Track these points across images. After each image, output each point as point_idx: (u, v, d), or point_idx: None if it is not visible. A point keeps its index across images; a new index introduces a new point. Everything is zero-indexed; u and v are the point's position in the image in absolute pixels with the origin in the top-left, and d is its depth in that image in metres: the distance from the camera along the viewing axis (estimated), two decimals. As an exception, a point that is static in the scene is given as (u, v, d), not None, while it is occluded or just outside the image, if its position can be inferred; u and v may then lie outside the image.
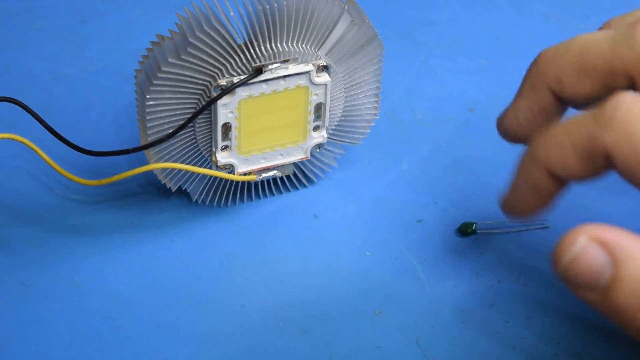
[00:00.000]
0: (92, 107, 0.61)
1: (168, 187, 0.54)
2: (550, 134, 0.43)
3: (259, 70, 0.51)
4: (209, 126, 0.52)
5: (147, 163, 0.53)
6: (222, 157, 0.53)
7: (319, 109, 0.54)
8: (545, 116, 0.46)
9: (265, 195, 0.56)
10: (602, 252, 0.40)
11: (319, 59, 0.52)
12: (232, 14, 0.50)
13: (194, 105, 0.51)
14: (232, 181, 0.55)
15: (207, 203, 0.55)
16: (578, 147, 0.42)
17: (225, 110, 0.51)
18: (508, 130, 0.48)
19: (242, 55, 0.50)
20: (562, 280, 0.41)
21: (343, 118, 0.55)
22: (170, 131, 0.51)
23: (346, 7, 0.52)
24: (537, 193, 0.45)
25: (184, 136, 0.52)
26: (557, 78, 0.44)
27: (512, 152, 0.59)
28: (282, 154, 0.55)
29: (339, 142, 0.56)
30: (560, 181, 0.44)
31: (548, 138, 0.43)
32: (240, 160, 0.54)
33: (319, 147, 0.55)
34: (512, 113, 0.47)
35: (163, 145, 0.52)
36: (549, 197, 0.44)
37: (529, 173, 0.44)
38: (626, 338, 0.51)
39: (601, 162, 0.41)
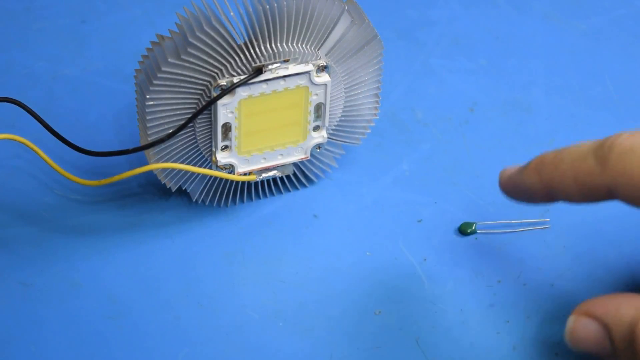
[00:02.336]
0: (92, 107, 0.61)
1: (168, 187, 0.54)
2: (556, 161, 0.46)
3: (259, 70, 0.51)
4: (209, 126, 0.52)
5: (147, 163, 0.53)
6: (222, 157, 0.53)
7: (319, 109, 0.54)
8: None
9: (265, 195, 0.56)
10: (591, 322, 0.45)
11: (319, 59, 0.52)
12: (232, 14, 0.50)
13: (194, 105, 0.51)
14: (232, 181, 0.55)
15: (207, 203, 0.55)
16: (579, 181, 0.45)
17: (225, 110, 0.51)
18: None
19: (242, 55, 0.50)
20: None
21: (343, 118, 0.55)
22: (170, 131, 0.51)
23: (346, 7, 0.52)
24: (531, 198, 0.48)
25: (184, 136, 0.52)
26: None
27: (512, 152, 0.60)
28: (282, 154, 0.55)
29: (339, 142, 0.56)
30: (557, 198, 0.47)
31: (554, 165, 0.46)
32: (240, 160, 0.54)
33: (319, 147, 0.55)
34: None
35: (163, 145, 0.52)
36: (541, 202, 0.48)
37: (532, 183, 0.47)
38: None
39: (602, 195, 0.45)
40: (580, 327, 0.46)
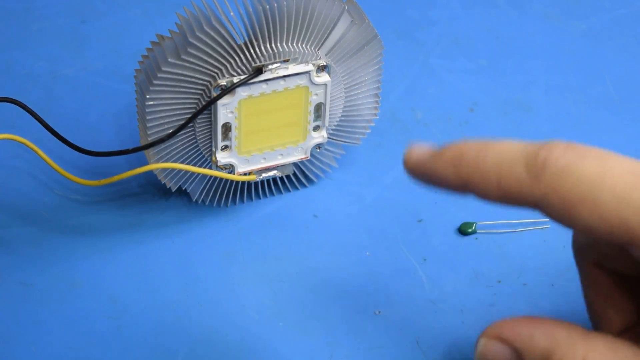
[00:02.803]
0: (92, 107, 0.61)
1: (168, 187, 0.54)
2: (478, 160, 0.42)
3: (259, 70, 0.51)
4: (209, 126, 0.52)
5: (147, 163, 0.53)
6: (222, 157, 0.53)
7: (319, 109, 0.54)
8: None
9: (265, 195, 0.56)
10: (502, 347, 0.43)
11: (319, 59, 0.52)
12: (232, 14, 0.50)
13: (194, 105, 0.51)
14: (232, 181, 0.55)
15: (207, 203, 0.55)
16: (503, 188, 0.42)
17: (225, 110, 0.51)
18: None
19: (242, 55, 0.50)
20: None
21: (343, 118, 0.55)
22: (170, 131, 0.51)
23: (346, 7, 0.52)
24: (442, 187, 0.44)
25: (184, 136, 0.52)
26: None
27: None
28: (282, 154, 0.55)
29: (339, 142, 0.56)
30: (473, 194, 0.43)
31: (475, 163, 0.42)
32: (240, 160, 0.54)
33: (319, 147, 0.55)
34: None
35: (163, 145, 0.52)
36: (452, 193, 0.44)
37: (446, 175, 0.43)
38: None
39: (525, 205, 0.42)
40: (491, 351, 0.43)
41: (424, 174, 0.44)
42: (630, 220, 0.40)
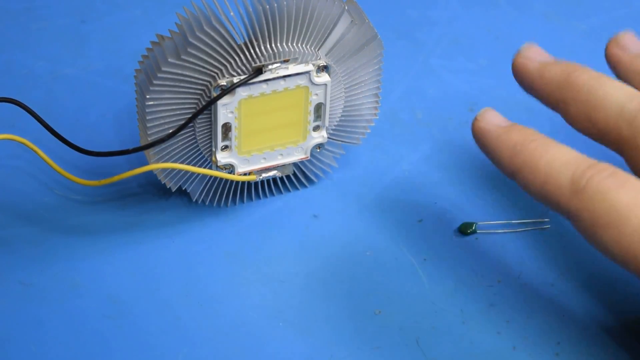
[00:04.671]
0: (92, 107, 0.61)
1: (168, 187, 0.54)
2: (533, 159, 0.46)
3: (259, 70, 0.51)
4: (209, 126, 0.52)
5: (147, 163, 0.53)
6: (222, 157, 0.53)
7: (319, 109, 0.54)
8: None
9: (265, 195, 0.56)
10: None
11: (319, 59, 0.52)
12: (232, 14, 0.50)
13: (194, 105, 0.51)
14: (232, 181, 0.55)
15: (207, 203, 0.55)
16: (543, 191, 0.45)
17: (225, 110, 0.51)
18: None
19: (242, 55, 0.50)
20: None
21: (343, 118, 0.55)
22: (170, 131, 0.51)
23: (346, 7, 0.52)
24: (493, 161, 0.48)
25: (184, 136, 0.52)
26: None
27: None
28: (282, 154, 0.55)
29: (339, 142, 0.56)
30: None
31: (530, 160, 0.46)
32: (240, 160, 0.54)
33: (319, 147, 0.55)
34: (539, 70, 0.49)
35: (163, 145, 0.52)
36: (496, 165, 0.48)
37: (500, 157, 0.47)
38: (625, 338, 0.51)
39: (557, 210, 0.46)
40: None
41: (484, 146, 0.48)
42: None
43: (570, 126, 0.48)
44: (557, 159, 0.45)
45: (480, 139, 0.48)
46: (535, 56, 0.49)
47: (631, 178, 0.44)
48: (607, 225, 0.44)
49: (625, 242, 0.43)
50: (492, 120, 0.48)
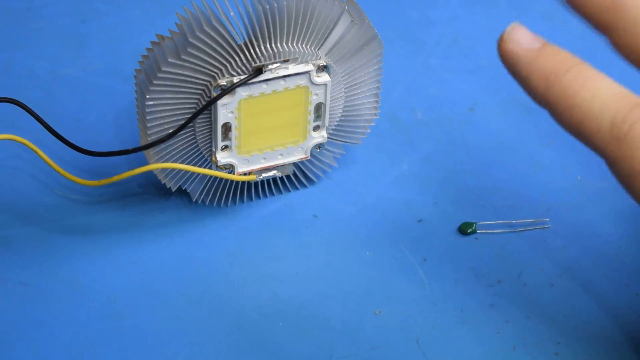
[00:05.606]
0: (92, 107, 0.61)
1: (168, 187, 0.54)
2: (570, 92, 0.42)
3: (259, 70, 0.51)
4: (209, 126, 0.52)
5: (147, 163, 0.53)
6: (222, 157, 0.53)
7: (319, 109, 0.54)
8: None
9: (265, 195, 0.56)
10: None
11: (319, 59, 0.52)
12: (232, 14, 0.50)
13: (194, 105, 0.51)
14: (232, 181, 0.55)
15: (207, 203, 0.55)
16: (580, 130, 0.41)
17: (225, 110, 0.51)
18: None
19: (242, 55, 0.50)
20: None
21: (343, 118, 0.55)
22: (170, 131, 0.51)
23: (346, 7, 0.52)
24: (523, 86, 0.44)
25: (184, 136, 0.52)
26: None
27: (512, 152, 0.60)
28: (282, 154, 0.55)
29: (339, 142, 0.56)
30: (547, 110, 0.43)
31: (567, 93, 0.42)
32: (240, 160, 0.54)
33: (319, 147, 0.55)
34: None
35: (163, 145, 0.52)
36: (531, 95, 0.44)
37: (534, 87, 0.43)
38: (625, 338, 0.51)
39: (590, 147, 0.42)
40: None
41: (514, 72, 0.44)
42: None
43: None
44: (597, 95, 0.41)
45: (509, 64, 0.44)
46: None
47: None
48: None
49: None
50: (522, 40, 0.44)
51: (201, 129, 0.52)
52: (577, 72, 0.42)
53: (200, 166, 0.53)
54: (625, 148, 0.41)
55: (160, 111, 0.51)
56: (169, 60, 0.49)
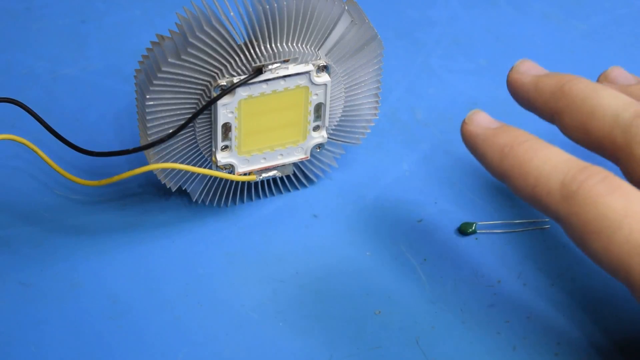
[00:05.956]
0: (92, 107, 0.61)
1: (168, 187, 0.54)
2: (524, 160, 0.45)
3: (259, 70, 0.51)
4: (209, 126, 0.52)
5: (147, 163, 0.53)
6: (222, 157, 0.53)
7: (319, 109, 0.54)
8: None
9: (265, 195, 0.56)
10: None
11: (319, 59, 0.52)
12: (232, 14, 0.50)
13: (194, 105, 0.51)
14: (232, 181, 0.55)
15: (207, 203, 0.55)
16: (533, 195, 0.44)
17: (225, 110, 0.51)
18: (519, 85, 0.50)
19: (242, 55, 0.50)
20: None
21: (343, 118, 0.55)
22: (170, 131, 0.51)
23: (346, 7, 0.52)
24: (483, 164, 0.47)
25: (184, 136, 0.52)
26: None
27: (512, 152, 0.59)
28: (282, 154, 0.55)
29: (339, 142, 0.56)
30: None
31: (520, 162, 0.45)
32: (240, 160, 0.54)
33: (319, 147, 0.55)
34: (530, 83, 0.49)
35: (163, 146, 0.52)
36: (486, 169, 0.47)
37: (490, 156, 0.46)
38: (625, 338, 0.51)
39: (546, 214, 0.45)
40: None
41: (474, 149, 0.47)
42: (633, 268, 0.42)
43: (567, 137, 0.47)
44: (547, 161, 0.44)
45: (469, 142, 0.47)
46: (529, 70, 0.49)
47: (624, 184, 0.43)
48: (597, 233, 0.42)
49: (615, 251, 0.42)
50: (481, 122, 0.48)
51: (201, 129, 0.52)
52: (530, 144, 0.45)
53: (200, 166, 0.53)
54: (575, 205, 0.43)
55: (160, 111, 0.51)
56: (169, 60, 0.49)
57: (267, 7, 0.49)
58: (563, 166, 0.44)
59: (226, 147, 0.53)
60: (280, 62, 0.51)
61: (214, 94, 0.50)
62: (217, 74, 0.50)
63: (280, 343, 0.50)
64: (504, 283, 0.53)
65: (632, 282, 0.42)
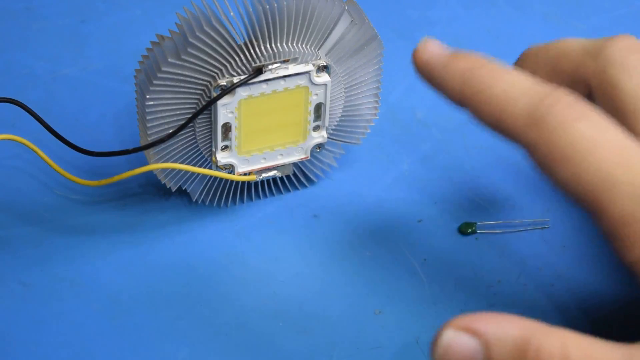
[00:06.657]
0: (92, 107, 0.61)
1: (168, 187, 0.54)
2: (486, 85, 0.42)
3: (259, 70, 0.51)
4: (209, 126, 0.52)
5: (147, 163, 0.53)
6: (222, 157, 0.53)
7: (319, 109, 0.54)
8: None
9: (265, 195, 0.56)
10: (469, 339, 0.40)
11: (319, 59, 0.52)
12: (232, 14, 0.50)
13: (194, 105, 0.51)
14: (232, 181, 0.55)
15: (207, 203, 0.55)
16: (498, 119, 0.42)
17: (225, 110, 0.51)
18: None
19: (242, 55, 0.50)
20: None
21: (343, 118, 0.55)
22: (170, 131, 0.51)
23: (346, 7, 0.52)
24: (440, 92, 0.45)
25: (184, 136, 0.52)
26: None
27: (512, 152, 0.59)
28: (282, 154, 0.55)
29: (339, 142, 0.56)
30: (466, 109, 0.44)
31: (482, 87, 0.42)
32: (240, 160, 0.54)
33: (319, 147, 0.55)
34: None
35: (163, 146, 0.52)
36: (447, 99, 0.45)
37: (450, 86, 0.44)
38: (627, 339, 0.51)
39: (510, 139, 0.42)
40: (458, 344, 0.40)
41: (430, 78, 0.44)
42: (602, 196, 0.40)
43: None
44: (512, 86, 0.42)
45: (425, 70, 0.45)
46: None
47: (591, 110, 0.41)
48: (565, 160, 0.40)
49: (584, 178, 0.40)
50: (435, 50, 0.45)
51: (201, 129, 0.52)
52: (492, 67, 0.43)
53: (200, 166, 0.53)
54: (542, 132, 0.41)
55: (160, 111, 0.51)
56: (169, 60, 0.49)
57: (267, 7, 0.49)
58: (529, 90, 0.42)
59: (226, 147, 0.53)
60: (280, 62, 0.51)
61: (214, 94, 0.50)
62: (217, 74, 0.50)
63: (280, 343, 0.50)
64: (504, 283, 0.53)
65: (601, 212, 0.41)
